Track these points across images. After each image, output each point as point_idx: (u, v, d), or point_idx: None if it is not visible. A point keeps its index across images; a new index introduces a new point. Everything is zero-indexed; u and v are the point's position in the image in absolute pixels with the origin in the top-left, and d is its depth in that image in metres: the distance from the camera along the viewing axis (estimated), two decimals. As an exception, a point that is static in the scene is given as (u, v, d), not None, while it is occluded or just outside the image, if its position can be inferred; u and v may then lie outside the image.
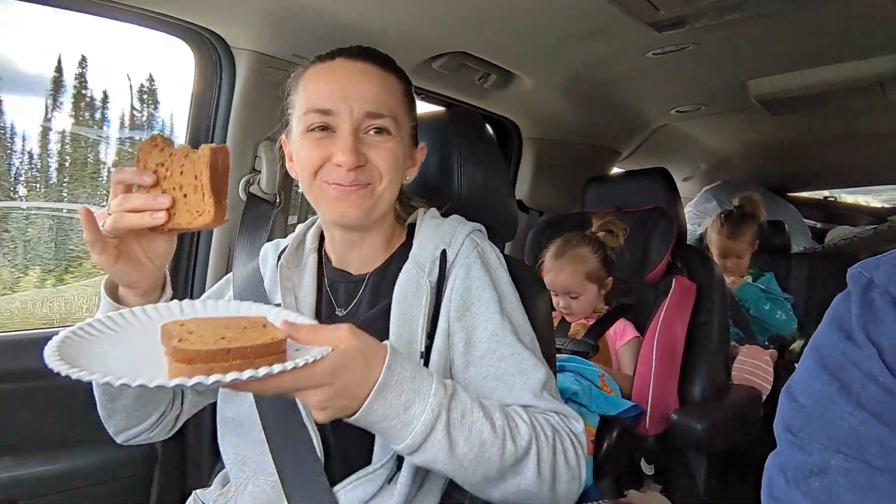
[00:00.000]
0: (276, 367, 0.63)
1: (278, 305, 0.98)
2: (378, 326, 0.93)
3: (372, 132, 0.90)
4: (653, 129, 2.51)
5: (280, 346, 0.66)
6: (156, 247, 0.84)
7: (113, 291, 0.87)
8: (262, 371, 0.62)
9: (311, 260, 1.04)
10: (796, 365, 1.77)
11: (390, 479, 0.88)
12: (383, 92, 0.92)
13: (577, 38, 1.52)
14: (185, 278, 1.51)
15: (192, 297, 1.48)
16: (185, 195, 0.78)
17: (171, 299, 0.85)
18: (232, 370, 0.61)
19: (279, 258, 1.04)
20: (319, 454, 0.88)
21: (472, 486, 0.81)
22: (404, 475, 0.87)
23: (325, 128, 0.90)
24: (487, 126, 1.26)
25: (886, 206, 3.56)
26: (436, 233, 0.98)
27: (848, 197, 3.73)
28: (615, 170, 2.73)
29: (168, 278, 0.90)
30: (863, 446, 0.46)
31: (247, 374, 0.61)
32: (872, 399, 0.47)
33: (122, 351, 0.70)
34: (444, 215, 1.04)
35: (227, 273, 1.49)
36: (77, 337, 0.70)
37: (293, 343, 0.71)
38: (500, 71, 1.74)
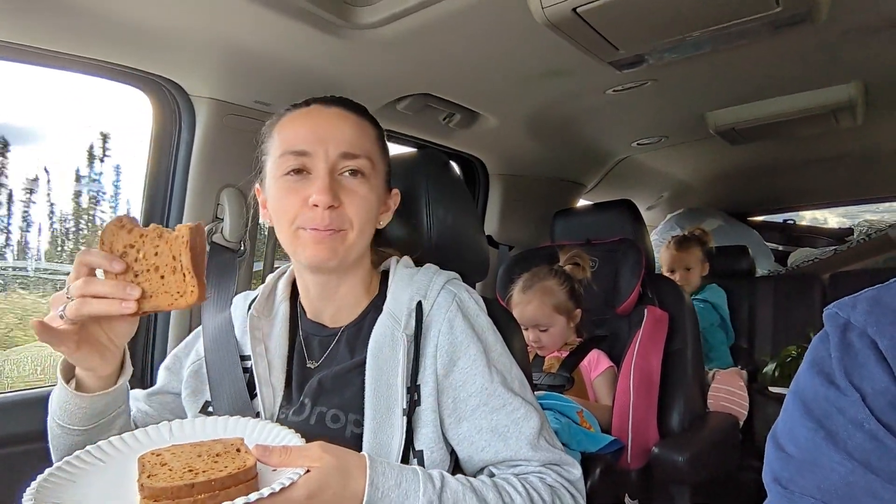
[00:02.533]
0: (240, 501, 0.62)
1: (247, 366, 0.95)
2: (351, 382, 0.90)
3: (347, 174, 0.90)
4: (616, 161, 2.55)
5: (249, 473, 0.66)
6: (119, 329, 0.81)
7: (68, 373, 0.83)
8: None
9: (282, 308, 1.01)
10: (770, 388, 1.78)
11: None
12: (358, 134, 0.92)
13: (539, 78, 1.54)
14: (145, 334, 1.45)
15: (152, 356, 1.43)
16: (163, 276, 0.76)
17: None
18: None
19: (250, 307, 1.01)
20: None
21: None
22: None
23: (300, 171, 0.89)
24: (454, 165, 1.25)
25: (843, 225, 3.67)
26: (410, 283, 0.95)
27: (806, 215, 3.85)
28: (581, 202, 2.76)
29: (127, 355, 0.86)
30: (855, 498, 0.45)
31: None
32: (860, 447, 0.45)
33: (103, 487, 0.70)
34: (417, 262, 1.02)
35: (189, 325, 1.45)
36: (57, 477, 0.69)
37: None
38: (464, 111, 1.75)
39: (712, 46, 1.34)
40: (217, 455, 0.69)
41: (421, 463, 0.85)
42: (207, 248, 0.79)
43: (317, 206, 0.86)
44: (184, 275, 0.75)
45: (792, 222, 3.78)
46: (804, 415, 0.50)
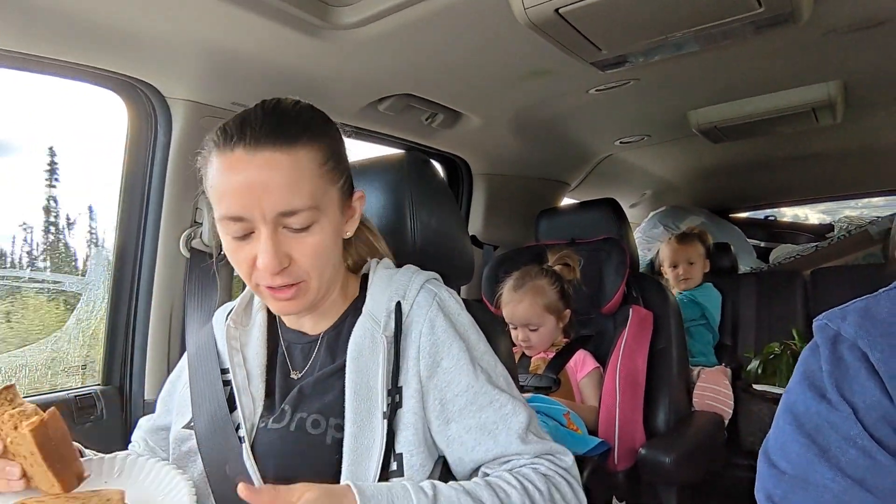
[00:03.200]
0: None
1: (227, 379, 0.94)
2: (331, 386, 0.89)
3: (293, 228, 0.82)
4: (599, 159, 2.55)
5: None
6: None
7: None
8: None
9: (259, 318, 0.99)
10: (755, 387, 1.79)
11: None
12: (294, 181, 0.80)
13: (521, 78, 1.53)
14: (124, 347, 1.41)
15: (130, 371, 1.40)
16: (31, 465, 0.73)
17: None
18: None
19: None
20: None
21: None
22: None
23: (244, 235, 0.83)
24: (438, 166, 1.24)
25: (824, 222, 3.71)
26: (389, 284, 0.93)
27: (787, 212, 3.88)
28: (566, 201, 2.76)
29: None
30: None
31: None
32: (853, 464, 0.45)
33: None
34: (399, 264, 1.00)
35: (169, 328, 1.42)
36: None
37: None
38: (447, 111, 1.73)
39: (694, 47, 1.33)
40: None
41: (401, 466, 0.84)
42: (66, 429, 0.75)
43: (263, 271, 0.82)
44: (45, 469, 0.72)
45: (773, 219, 3.81)
46: (796, 430, 0.49)
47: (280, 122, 0.82)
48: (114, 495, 0.72)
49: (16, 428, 0.72)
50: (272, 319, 1.00)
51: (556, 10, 1.11)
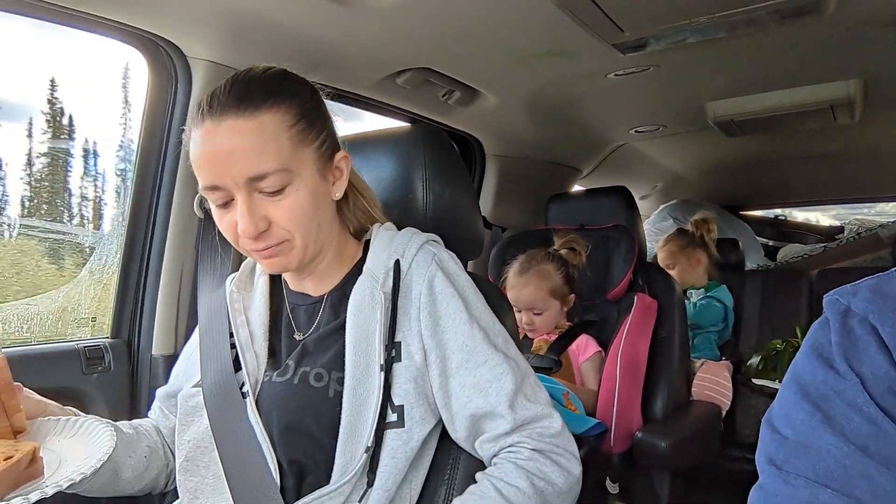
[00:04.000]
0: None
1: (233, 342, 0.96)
2: (334, 342, 0.91)
3: (266, 192, 0.83)
4: (613, 147, 2.54)
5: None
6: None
7: None
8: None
9: (261, 282, 1.02)
10: (754, 381, 1.80)
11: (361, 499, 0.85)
12: (260, 146, 0.81)
13: (542, 58, 1.52)
14: (134, 302, 1.43)
15: (139, 326, 1.41)
16: None
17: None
18: None
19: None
20: (275, 474, 0.85)
21: None
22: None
23: (224, 202, 0.85)
24: (452, 143, 1.24)
25: (835, 223, 3.70)
26: (389, 244, 0.95)
27: (798, 215, 3.86)
28: (576, 187, 2.76)
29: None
30: (850, 481, 0.45)
31: None
32: (857, 431, 0.45)
33: None
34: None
35: (179, 290, 1.43)
36: None
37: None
38: (465, 88, 1.73)
39: (717, 33, 1.33)
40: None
41: (401, 418, 0.86)
42: (11, 379, 0.76)
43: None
44: None
45: (784, 217, 3.79)
46: (801, 398, 0.50)
47: (246, 89, 0.84)
48: (26, 447, 0.72)
49: None
50: (275, 284, 1.02)
51: (582, -12, 1.11)
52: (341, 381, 0.87)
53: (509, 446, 0.87)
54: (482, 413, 0.87)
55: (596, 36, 1.33)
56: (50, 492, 0.66)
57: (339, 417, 0.85)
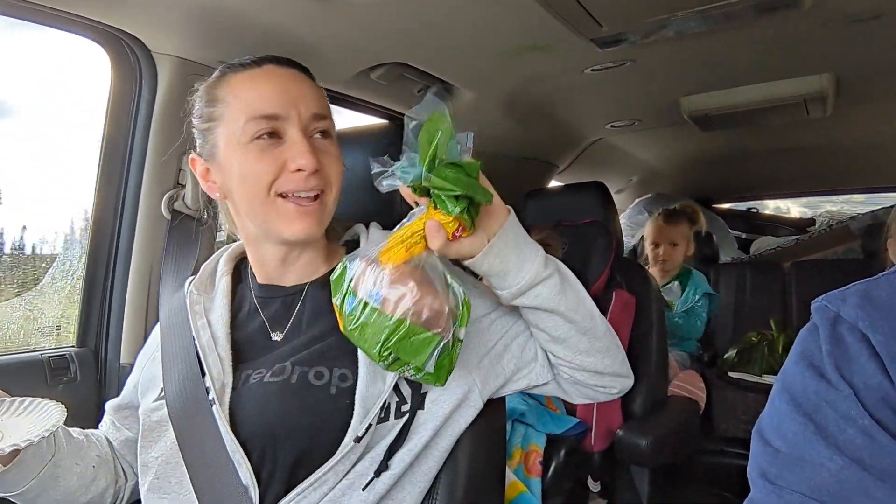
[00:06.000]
0: None
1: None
2: (330, 336, 0.86)
3: (318, 136, 0.88)
4: (588, 143, 2.54)
5: None
6: None
7: None
8: None
9: (222, 283, 0.97)
10: (730, 374, 1.81)
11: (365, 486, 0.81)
12: (320, 96, 0.91)
13: (519, 53, 1.50)
14: (100, 309, 1.38)
15: (107, 334, 1.36)
16: None
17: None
18: None
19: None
20: (251, 482, 0.79)
21: (578, 329, 0.85)
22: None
23: (272, 134, 0.85)
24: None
25: (805, 215, 3.76)
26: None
27: (769, 204, 3.92)
28: (553, 183, 2.75)
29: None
30: (846, 496, 0.43)
31: None
32: (851, 443, 0.44)
33: None
34: None
35: (147, 295, 1.38)
36: None
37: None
38: (440, 83, 1.70)
39: (695, 28, 1.32)
40: None
41: (421, 405, 0.85)
42: None
43: (300, 170, 0.83)
44: None
45: (755, 210, 3.85)
46: (793, 409, 0.48)
47: (294, 61, 0.92)
48: None
49: None
50: (238, 283, 0.99)
51: (560, -19, 1.09)
52: (344, 378, 0.84)
53: None
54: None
55: (574, 31, 1.31)
56: None
57: (346, 412, 0.81)
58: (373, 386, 0.83)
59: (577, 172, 2.79)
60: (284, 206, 0.85)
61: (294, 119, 0.85)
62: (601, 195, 2.10)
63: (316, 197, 0.87)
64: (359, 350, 0.83)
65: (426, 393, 0.86)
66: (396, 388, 0.85)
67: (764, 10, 1.23)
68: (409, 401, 0.85)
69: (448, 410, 0.86)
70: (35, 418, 0.79)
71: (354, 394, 0.82)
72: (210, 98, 0.90)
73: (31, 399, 0.84)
